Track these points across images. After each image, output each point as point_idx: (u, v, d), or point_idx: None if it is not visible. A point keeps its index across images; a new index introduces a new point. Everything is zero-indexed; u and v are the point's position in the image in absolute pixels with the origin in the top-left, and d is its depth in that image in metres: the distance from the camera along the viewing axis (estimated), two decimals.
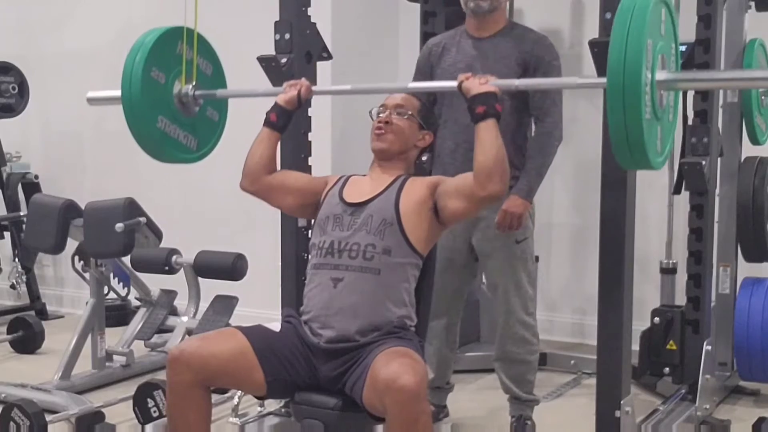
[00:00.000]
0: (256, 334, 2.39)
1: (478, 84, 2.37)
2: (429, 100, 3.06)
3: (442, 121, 3.08)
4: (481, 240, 3.13)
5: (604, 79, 2.08)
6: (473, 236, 3.14)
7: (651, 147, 2.09)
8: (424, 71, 3.21)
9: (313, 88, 2.67)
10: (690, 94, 3.58)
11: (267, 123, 2.64)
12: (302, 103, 2.66)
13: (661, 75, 2.09)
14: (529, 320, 3.17)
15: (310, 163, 3.21)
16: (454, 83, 2.44)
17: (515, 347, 3.16)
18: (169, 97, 2.74)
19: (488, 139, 2.33)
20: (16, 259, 5.30)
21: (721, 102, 3.58)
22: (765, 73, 2.21)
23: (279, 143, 2.65)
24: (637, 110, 2.00)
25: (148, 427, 3.25)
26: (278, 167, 2.69)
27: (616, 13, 2.05)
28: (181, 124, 2.78)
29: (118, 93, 2.67)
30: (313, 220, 2.64)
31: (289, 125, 2.67)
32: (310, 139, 3.22)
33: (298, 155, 3.16)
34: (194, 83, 2.77)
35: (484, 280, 4.35)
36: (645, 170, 2.19)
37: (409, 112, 2.62)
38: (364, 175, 2.64)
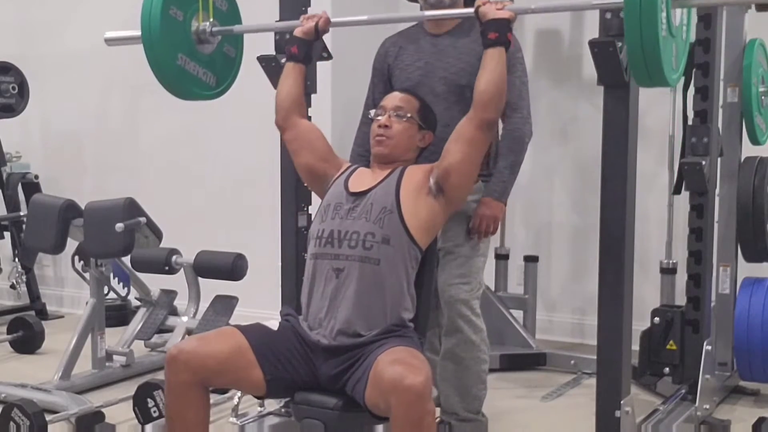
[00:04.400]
0: (254, 333, 2.39)
1: (494, 9, 2.48)
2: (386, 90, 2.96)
3: None
4: (443, 242, 2.94)
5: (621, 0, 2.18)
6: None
7: (667, 63, 2.19)
8: (382, 71, 3.10)
9: (332, 19, 2.72)
10: (690, 94, 3.58)
11: (289, 56, 2.71)
12: (320, 34, 2.72)
13: None
14: (475, 320, 2.95)
15: None
16: (470, 10, 2.53)
17: (459, 348, 2.95)
18: (188, 34, 2.86)
19: (493, 66, 2.45)
20: (16, 259, 5.30)
21: (721, 102, 3.58)
22: None
23: (305, 79, 2.72)
24: (654, 26, 2.11)
25: (148, 427, 3.25)
26: (289, 145, 2.73)
27: None
28: (199, 60, 2.90)
29: (135, 33, 2.79)
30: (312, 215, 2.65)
31: (311, 58, 2.74)
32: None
33: None
34: (212, 20, 2.87)
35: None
36: (661, 87, 2.29)
37: (408, 114, 2.62)
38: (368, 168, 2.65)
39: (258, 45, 3.21)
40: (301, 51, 2.69)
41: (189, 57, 2.85)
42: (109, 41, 3.01)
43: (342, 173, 2.62)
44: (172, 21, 2.79)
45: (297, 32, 2.71)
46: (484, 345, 3.00)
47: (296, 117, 2.69)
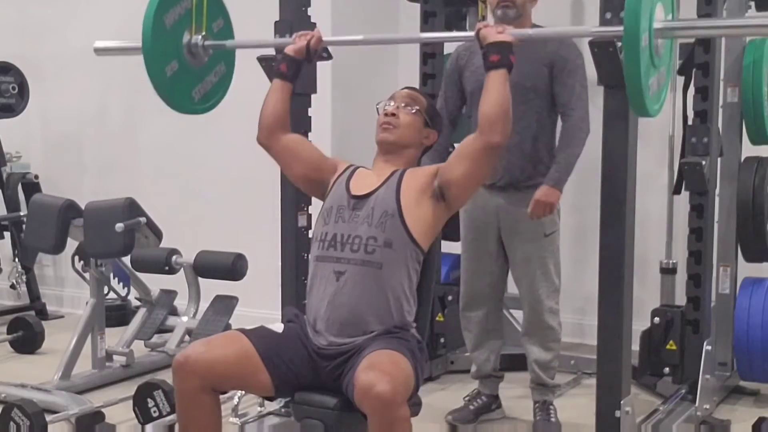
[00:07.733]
0: (259, 337, 2.39)
1: (495, 32, 2.45)
2: (460, 100, 3.33)
3: (472, 120, 3.20)
4: (508, 233, 3.27)
5: (618, 28, 2.30)
6: (501, 231, 3.28)
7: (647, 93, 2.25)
8: (452, 75, 3.35)
9: (324, 38, 2.69)
10: (690, 95, 3.58)
11: (277, 73, 2.66)
12: (311, 54, 2.67)
13: (659, 24, 2.24)
14: (556, 308, 3.33)
15: None
16: (471, 33, 2.54)
17: (544, 337, 3.34)
18: (179, 46, 2.84)
19: (497, 88, 2.39)
20: (16, 259, 5.30)
21: (721, 102, 3.58)
22: (764, 19, 2.48)
23: (291, 97, 2.68)
24: (635, 59, 2.16)
25: (148, 427, 3.25)
26: (277, 160, 2.70)
27: None
28: (190, 73, 2.88)
29: (127, 44, 2.83)
30: (313, 219, 2.64)
31: (299, 77, 2.69)
32: (310, 139, 3.22)
33: None
34: (204, 33, 2.86)
35: None
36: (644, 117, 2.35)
37: (417, 107, 2.62)
38: (370, 169, 2.64)
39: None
40: (290, 69, 2.63)
41: (180, 68, 2.85)
42: (99, 51, 3.04)
43: (341, 174, 2.60)
44: (165, 31, 2.79)
45: (288, 50, 2.65)
46: (559, 327, 3.39)
47: (280, 134, 2.64)
